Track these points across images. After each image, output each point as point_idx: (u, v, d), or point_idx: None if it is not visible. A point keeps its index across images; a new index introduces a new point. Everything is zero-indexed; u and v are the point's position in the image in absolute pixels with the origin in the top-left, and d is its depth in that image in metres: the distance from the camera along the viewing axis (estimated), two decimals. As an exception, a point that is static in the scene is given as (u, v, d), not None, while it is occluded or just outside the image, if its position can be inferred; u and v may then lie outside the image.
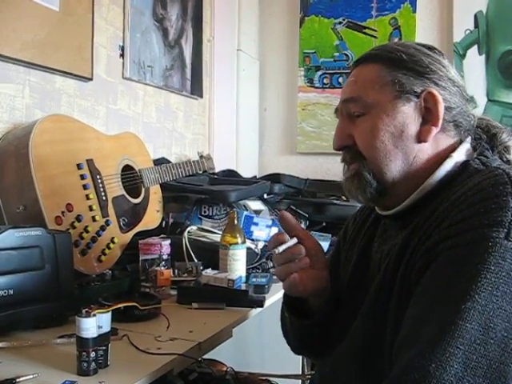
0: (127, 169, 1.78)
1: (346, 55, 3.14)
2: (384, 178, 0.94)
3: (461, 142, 0.95)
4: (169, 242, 1.57)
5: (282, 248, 0.97)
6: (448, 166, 0.92)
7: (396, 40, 1.09)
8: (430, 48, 0.98)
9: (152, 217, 1.84)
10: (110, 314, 1.01)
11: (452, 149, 0.94)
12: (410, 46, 0.97)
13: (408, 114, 0.93)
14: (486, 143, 0.96)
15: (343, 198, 2.38)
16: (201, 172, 2.16)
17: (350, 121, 0.98)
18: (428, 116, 0.93)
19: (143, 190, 1.83)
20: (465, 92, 0.97)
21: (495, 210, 0.77)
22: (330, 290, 1.04)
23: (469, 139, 0.96)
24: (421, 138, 0.93)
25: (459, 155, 0.93)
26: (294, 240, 0.99)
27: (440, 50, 0.99)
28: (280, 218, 1.02)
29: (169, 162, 2.28)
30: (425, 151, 0.93)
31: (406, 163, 0.93)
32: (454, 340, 0.71)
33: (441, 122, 0.92)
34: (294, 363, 2.39)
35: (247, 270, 1.63)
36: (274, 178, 2.40)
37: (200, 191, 2.00)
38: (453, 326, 0.72)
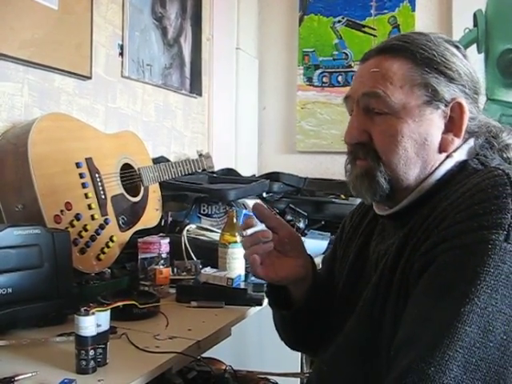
0: (126, 167, 1.78)
1: (346, 54, 3.14)
2: (398, 184, 0.91)
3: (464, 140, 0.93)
4: (168, 240, 1.57)
5: (249, 231, 1.01)
6: (448, 165, 0.91)
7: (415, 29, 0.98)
8: (449, 42, 0.94)
9: (151, 215, 1.84)
10: (108, 312, 1.01)
11: (454, 149, 0.92)
12: (440, 43, 0.91)
13: (434, 122, 0.89)
14: (485, 142, 0.95)
15: (342, 196, 2.38)
16: (200, 171, 2.16)
17: (368, 115, 0.92)
18: (450, 125, 0.90)
19: (142, 188, 1.83)
20: (479, 89, 0.94)
21: (495, 211, 0.76)
22: (312, 281, 1.05)
23: (472, 139, 0.94)
24: (442, 148, 0.90)
25: (460, 155, 0.92)
26: (262, 225, 1.02)
27: (456, 43, 0.95)
28: (253, 209, 1.05)
29: (168, 160, 2.28)
30: (441, 159, 0.91)
31: (423, 172, 0.91)
32: (453, 343, 0.71)
33: (463, 133, 0.91)
34: (293, 361, 2.40)
35: (246, 268, 1.63)
36: (273, 176, 2.40)
37: (199, 190, 2.00)
38: (452, 329, 0.71)
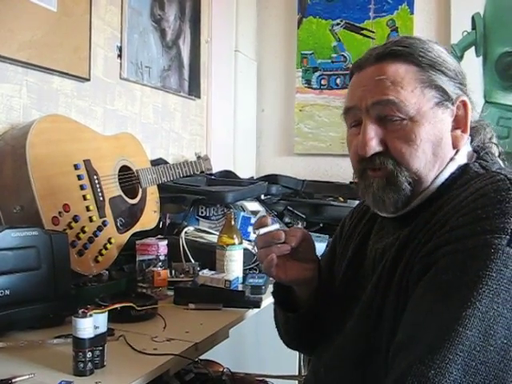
0: (124, 169, 1.78)
1: (344, 56, 3.14)
2: (419, 187, 0.91)
3: None
4: (166, 242, 1.57)
5: (262, 231, 1.00)
6: (451, 169, 0.91)
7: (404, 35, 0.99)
8: (435, 42, 0.95)
9: (149, 217, 1.84)
10: (106, 314, 1.01)
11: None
12: (431, 45, 0.93)
13: (446, 122, 0.91)
14: (481, 142, 0.96)
15: (340, 199, 2.38)
16: (198, 173, 2.16)
17: (381, 124, 0.91)
18: (457, 122, 0.92)
19: (140, 190, 1.83)
20: (466, 83, 0.96)
21: (497, 216, 0.76)
22: (317, 283, 1.06)
23: (469, 140, 0.95)
24: (454, 145, 0.92)
25: (461, 158, 0.93)
26: (276, 225, 1.02)
27: (437, 43, 0.96)
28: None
29: (166, 162, 2.28)
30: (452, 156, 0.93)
31: (440, 169, 0.91)
32: (453, 347, 0.71)
33: (469, 129, 0.92)
34: (291, 364, 2.40)
35: (244, 270, 1.63)
36: (272, 178, 2.40)
37: (197, 192, 2.00)
38: (453, 333, 0.72)
